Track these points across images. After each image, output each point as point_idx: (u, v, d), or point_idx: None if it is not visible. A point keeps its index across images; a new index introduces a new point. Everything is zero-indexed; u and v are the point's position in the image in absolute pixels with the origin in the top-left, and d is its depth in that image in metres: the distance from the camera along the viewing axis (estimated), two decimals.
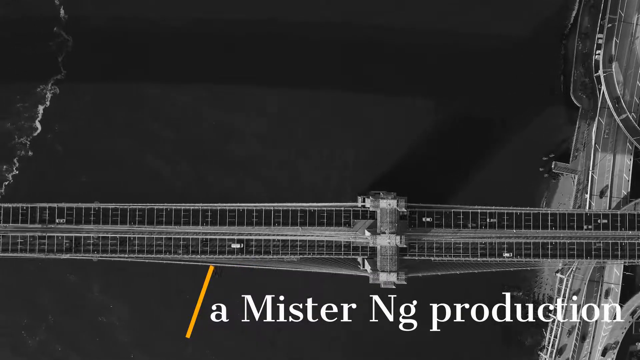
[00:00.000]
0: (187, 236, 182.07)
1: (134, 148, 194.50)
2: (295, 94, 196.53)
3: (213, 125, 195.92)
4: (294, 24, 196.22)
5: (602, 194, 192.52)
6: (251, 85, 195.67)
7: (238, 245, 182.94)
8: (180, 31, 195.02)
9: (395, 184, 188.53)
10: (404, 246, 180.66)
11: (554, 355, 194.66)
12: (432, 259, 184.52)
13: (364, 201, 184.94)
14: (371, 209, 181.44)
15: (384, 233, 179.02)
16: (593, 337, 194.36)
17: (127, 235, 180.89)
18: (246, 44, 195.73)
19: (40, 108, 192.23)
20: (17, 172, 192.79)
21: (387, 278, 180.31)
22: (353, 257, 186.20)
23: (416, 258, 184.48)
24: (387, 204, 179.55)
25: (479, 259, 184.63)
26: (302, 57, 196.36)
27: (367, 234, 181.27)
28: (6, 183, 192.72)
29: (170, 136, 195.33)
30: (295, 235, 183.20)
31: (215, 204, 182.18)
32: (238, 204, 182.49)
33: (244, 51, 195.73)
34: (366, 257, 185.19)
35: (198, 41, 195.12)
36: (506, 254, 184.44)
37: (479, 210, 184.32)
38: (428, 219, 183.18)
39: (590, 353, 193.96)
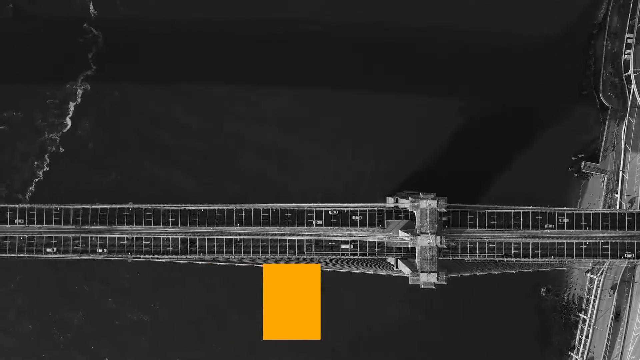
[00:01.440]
0: (221, 237, 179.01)
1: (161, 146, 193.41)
2: (313, 94, 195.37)
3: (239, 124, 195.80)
4: (315, 24, 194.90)
5: (631, 203, 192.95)
6: (270, 87, 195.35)
7: (349, 246, 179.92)
8: (208, 30, 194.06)
9: (423, 184, 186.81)
10: (444, 247, 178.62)
11: (585, 356, 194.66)
12: (466, 259, 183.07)
13: (396, 201, 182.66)
14: (410, 209, 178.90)
15: (426, 233, 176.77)
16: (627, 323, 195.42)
17: (161, 236, 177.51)
18: (271, 46, 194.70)
19: (72, 105, 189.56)
20: (47, 169, 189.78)
21: (428, 279, 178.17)
22: (385, 257, 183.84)
23: (450, 258, 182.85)
24: (427, 204, 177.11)
25: (513, 259, 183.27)
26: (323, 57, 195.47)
27: (402, 234, 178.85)
28: (36, 180, 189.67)
29: (195, 138, 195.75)
30: (328, 236, 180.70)
31: (248, 205, 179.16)
32: (272, 205, 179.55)
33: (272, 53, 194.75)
34: (400, 257, 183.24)
35: (225, 41, 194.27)
36: (628, 255, 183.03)
37: (512, 211, 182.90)
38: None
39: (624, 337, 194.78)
